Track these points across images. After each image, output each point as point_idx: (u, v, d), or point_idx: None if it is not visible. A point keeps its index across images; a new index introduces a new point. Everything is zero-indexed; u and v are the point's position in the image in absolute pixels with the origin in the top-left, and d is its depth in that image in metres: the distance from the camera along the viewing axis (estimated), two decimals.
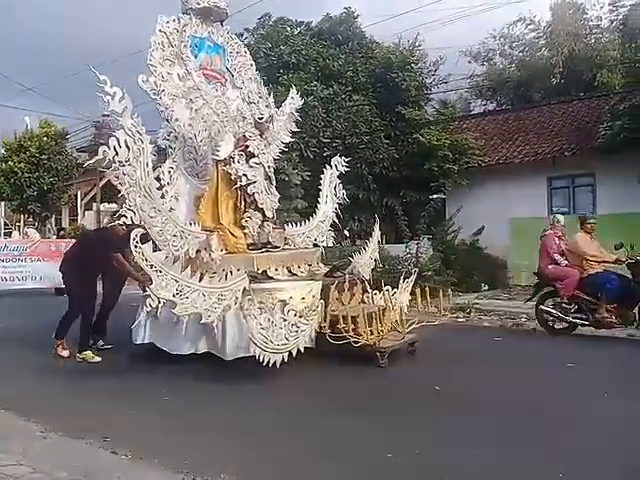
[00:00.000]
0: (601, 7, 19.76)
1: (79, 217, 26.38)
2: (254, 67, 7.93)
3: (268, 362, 5.17)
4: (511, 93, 20.96)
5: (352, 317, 5.62)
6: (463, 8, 35.64)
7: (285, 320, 5.40)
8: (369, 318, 5.74)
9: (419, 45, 15.87)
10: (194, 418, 4.32)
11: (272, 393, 5.02)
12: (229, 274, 5.68)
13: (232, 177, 6.47)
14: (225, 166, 6.50)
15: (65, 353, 6.36)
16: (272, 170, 6.87)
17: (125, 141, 5.64)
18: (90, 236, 7.36)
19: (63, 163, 19.70)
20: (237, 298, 5.51)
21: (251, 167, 6.53)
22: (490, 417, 4.22)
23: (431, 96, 17.13)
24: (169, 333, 5.93)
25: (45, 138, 19.20)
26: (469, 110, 22.28)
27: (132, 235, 5.11)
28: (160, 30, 6.65)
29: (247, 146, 6.54)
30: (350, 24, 16.45)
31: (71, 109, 51.39)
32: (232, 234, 6.41)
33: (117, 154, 5.54)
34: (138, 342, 6.19)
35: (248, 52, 7.99)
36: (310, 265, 6.78)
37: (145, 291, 5.77)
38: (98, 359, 6.21)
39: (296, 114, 7.81)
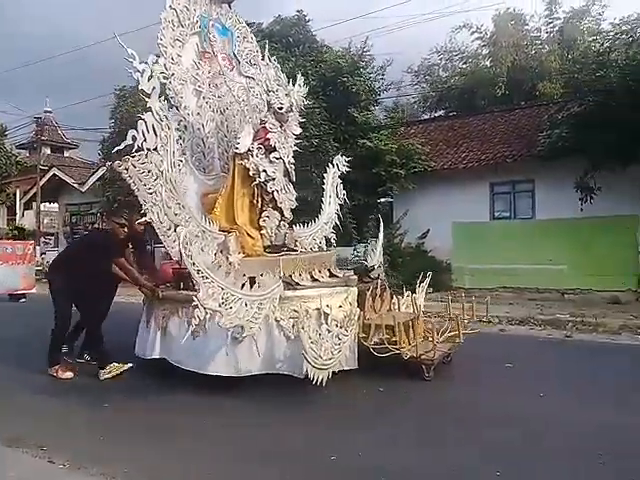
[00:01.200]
0: (539, 19, 20.71)
1: (17, 217, 25.40)
2: (260, 54, 7.40)
3: (314, 380, 4.59)
4: (456, 100, 21.57)
5: (389, 326, 5.22)
6: (412, 15, 36.43)
7: (329, 332, 4.82)
8: (406, 327, 5.29)
9: (368, 50, 16.16)
10: (142, 428, 4.21)
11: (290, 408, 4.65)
12: (258, 279, 5.05)
13: (250, 173, 5.87)
14: (243, 160, 5.88)
15: (68, 374, 5.53)
16: (292, 166, 6.32)
17: (153, 126, 5.21)
18: (95, 238, 6.51)
19: (1, 160, 18.96)
20: (274, 307, 4.95)
21: (271, 162, 5.96)
22: None
23: (380, 101, 17.48)
24: (188, 348, 5.08)
25: None
26: (417, 116, 22.80)
27: (181, 236, 4.53)
28: (170, 6, 6.07)
29: (267, 139, 5.95)
30: (301, 27, 16.53)
31: (11, 104, 49.42)
32: (249, 235, 5.85)
33: (145, 140, 5.11)
34: (147, 357, 5.51)
35: (254, 38, 7.49)
36: (329, 270, 6.24)
37: (147, 299, 5.49)
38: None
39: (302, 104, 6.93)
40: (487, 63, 20.52)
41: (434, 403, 4.72)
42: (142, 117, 5.23)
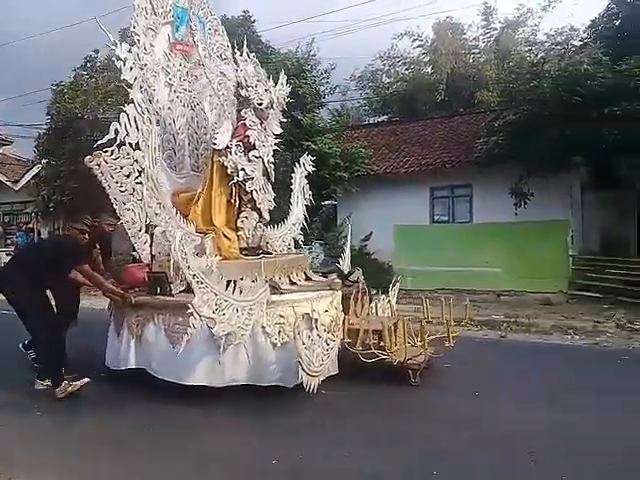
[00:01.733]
0: (477, 29, 21.45)
1: None
2: (230, 49, 6.96)
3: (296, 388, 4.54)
4: (398, 106, 21.98)
5: (376, 331, 5.11)
6: (356, 21, 36.87)
7: (320, 337, 4.69)
8: (390, 332, 5.16)
9: (314, 54, 16.29)
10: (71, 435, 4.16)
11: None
12: (239, 283, 4.78)
13: (228, 171, 5.62)
14: (221, 157, 5.62)
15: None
16: (271, 166, 6.10)
17: (135, 119, 4.93)
18: (48, 245, 6.12)
19: None
20: (262, 312, 4.73)
21: (250, 161, 5.71)
22: None
23: (325, 105, 17.65)
24: (166, 358, 4.84)
25: None
26: (362, 120, 23.12)
27: (177, 238, 4.30)
28: None
29: (247, 136, 5.69)
30: (247, 28, 16.48)
31: None
32: (225, 236, 5.61)
33: (128, 134, 4.84)
34: (121, 368, 5.17)
35: (225, 32, 7.16)
36: (305, 273, 6.07)
37: (114, 306, 5.18)
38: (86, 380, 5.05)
39: (284, 102, 6.74)
40: (428, 70, 21.04)
41: (382, 405, 4.79)
42: (124, 109, 5.00)
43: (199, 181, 6.18)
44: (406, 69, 22.78)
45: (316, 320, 4.78)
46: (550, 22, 25.49)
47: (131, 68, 5.09)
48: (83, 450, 3.87)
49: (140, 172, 4.99)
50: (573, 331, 8.20)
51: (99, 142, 5.14)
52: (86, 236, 5.38)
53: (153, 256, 5.28)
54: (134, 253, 5.76)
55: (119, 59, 5.04)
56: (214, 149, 5.71)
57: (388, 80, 23.46)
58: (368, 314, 5.97)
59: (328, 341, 4.78)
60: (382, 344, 5.07)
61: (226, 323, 4.38)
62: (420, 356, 5.20)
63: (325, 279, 6.20)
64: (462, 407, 4.65)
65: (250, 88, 5.81)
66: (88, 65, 14.94)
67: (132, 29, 5.61)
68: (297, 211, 7.04)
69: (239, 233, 5.81)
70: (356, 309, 5.65)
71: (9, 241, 20.46)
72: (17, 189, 19.15)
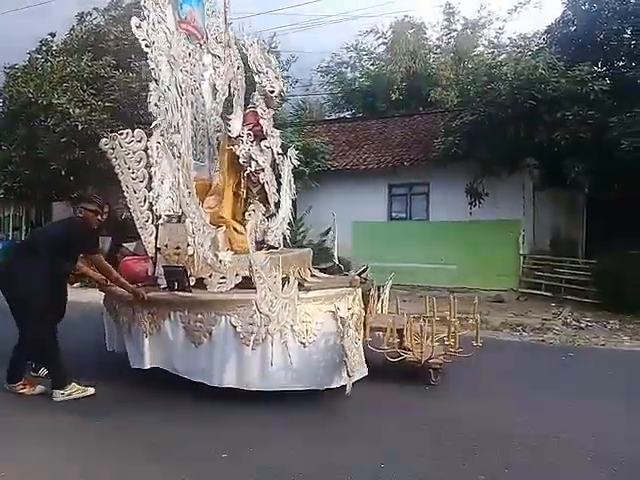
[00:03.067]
0: (440, 29, 21.76)
1: None
2: (226, 33, 6.65)
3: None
4: (359, 102, 22.09)
5: (399, 330, 4.99)
6: (318, 16, 36.84)
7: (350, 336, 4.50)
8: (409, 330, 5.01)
9: (275, 47, 16.18)
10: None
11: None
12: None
13: (240, 161, 5.32)
14: (233, 146, 5.32)
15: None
16: (280, 157, 5.84)
17: (177, 99, 4.62)
18: (56, 229, 5.33)
19: None
20: (296, 310, 4.49)
21: (261, 151, 5.45)
22: None
23: (286, 99, 17.55)
24: (188, 357, 4.65)
25: None
26: (326, 115, 23.17)
27: (248, 231, 4.17)
28: None
29: (259, 124, 5.41)
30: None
31: None
32: (235, 230, 5.34)
33: (173, 116, 4.55)
34: (133, 367, 4.91)
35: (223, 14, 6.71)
36: (309, 269, 5.88)
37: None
38: (92, 390, 4.75)
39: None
40: (389, 67, 21.23)
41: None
42: (161, 89, 4.73)
43: (198, 170, 5.81)
44: (371, 64, 22.91)
45: (345, 319, 4.59)
46: (517, 26, 26.10)
47: (148, 46, 4.81)
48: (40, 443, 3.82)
49: (147, 157, 4.80)
50: (522, 328, 8.43)
51: (154, 123, 4.82)
52: (99, 218, 4.88)
53: (158, 249, 4.95)
54: (125, 245, 5.53)
55: (144, 40, 4.80)
56: (228, 137, 5.41)
57: (353, 74, 23.57)
58: (378, 312, 5.82)
59: (357, 340, 4.62)
60: (404, 343, 5.00)
61: (277, 320, 4.24)
62: (442, 356, 5.11)
63: (333, 276, 6.04)
64: (416, 403, 4.74)
65: (262, 74, 5.54)
66: (43, 49, 14.48)
67: (143, 3, 5.15)
68: (285, 205, 6.69)
69: (246, 226, 5.52)
70: (375, 307, 5.48)
71: None
72: None
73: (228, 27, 6.61)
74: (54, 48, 14.46)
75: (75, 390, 4.64)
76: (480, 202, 11.96)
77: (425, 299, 5.68)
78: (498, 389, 5.17)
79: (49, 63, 13.28)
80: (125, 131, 4.88)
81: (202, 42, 6.25)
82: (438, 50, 21.65)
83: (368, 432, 4.06)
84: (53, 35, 14.64)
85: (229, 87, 6.62)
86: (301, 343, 4.55)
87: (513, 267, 12.30)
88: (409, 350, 5.03)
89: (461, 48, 20.26)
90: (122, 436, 3.95)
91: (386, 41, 21.74)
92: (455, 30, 21.01)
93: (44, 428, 4.08)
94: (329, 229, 14.08)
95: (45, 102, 12.20)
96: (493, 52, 17.80)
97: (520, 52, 12.66)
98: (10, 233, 18.09)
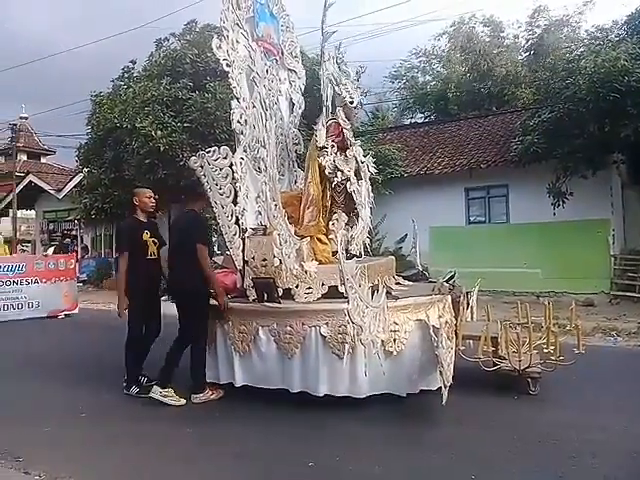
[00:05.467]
0: (519, 27, 21.17)
1: None
2: (299, 47, 6.97)
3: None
4: (432, 106, 21.84)
5: (493, 338, 4.83)
6: (385, 24, 36.82)
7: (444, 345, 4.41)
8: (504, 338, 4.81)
9: (342, 57, 16.23)
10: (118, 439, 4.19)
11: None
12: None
13: (326, 172, 5.40)
14: (319, 158, 5.40)
15: (218, 393, 5.00)
16: (365, 166, 5.85)
17: (261, 115, 4.77)
18: (182, 221, 5.42)
19: None
20: (386, 319, 4.42)
21: (346, 161, 5.52)
22: None
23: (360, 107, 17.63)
24: (282, 368, 4.71)
25: None
26: (399, 120, 23.07)
27: (338, 231, 4.25)
28: None
29: (342, 135, 5.53)
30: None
31: None
32: (319, 240, 5.38)
33: (255, 128, 4.66)
34: (221, 382, 5.02)
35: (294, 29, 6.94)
36: (393, 277, 5.86)
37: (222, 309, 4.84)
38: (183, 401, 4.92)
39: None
40: (462, 69, 20.84)
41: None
42: (241, 105, 4.85)
43: (281, 183, 5.96)
44: (442, 66, 22.59)
45: (439, 328, 4.50)
46: (593, 18, 25.07)
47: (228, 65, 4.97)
48: (127, 452, 3.96)
49: (233, 174, 4.90)
50: (616, 333, 8.02)
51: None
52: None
53: (246, 262, 5.02)
54: (215, 259, 5.69)
55: (224, 60, 4.97)
56: (314, 147, 5.51)
57: (423, 79, 23.33)
58: (467, 320, 5.66)
59: (449, 349, 4.52)
60: (499, 352, 4.84)
61: (368, 331, 4.16)
62: (540, 364, 4.93)
63: (418, 284, 5.96)
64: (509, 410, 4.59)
65: (341, 85, 5.67)
66: (125, 76, 15.30)
67: (222, 24, 5.30)
68: (365, 214, 6.49)
69: (330, 236, 5.49)
70: (464, 315, 5.34)
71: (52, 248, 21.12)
72: (60, 197, 19.79)
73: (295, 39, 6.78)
74: (135, 74, 15.24)
75: (210, 394, 4.92)
76: (564, 202, 11.47)
77: (518, 305, 5.50)
78: (593, 397, 4.94)
79: (131, 89, 14.00)
80: (212, 149, 5.04)
81: (278, 58, 6.38)
82: (515, 48, 21.08)
83: (459, 442, 3.98)
84: (134, 62, 15.46)
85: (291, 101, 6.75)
86: (388, 352, 4.54)
87: (603, 269, 11.69)
88: (504, 359, 4.85)
89: (546, 45, 19.59)
90: (211, 443, 4.07)
91: (457, 42, 21.42)
92: (538, 26, 20.38)
93: (146, 433, 4.27)
94: (405, 236, 13.98)
95: (129, 126, 12.87)
96: (570, 47, 17.13)
97: (599, 44, 12.08)
98: (102, 251, 19.22)
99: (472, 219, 14.01)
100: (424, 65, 22.85)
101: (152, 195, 5.60)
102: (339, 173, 5.44)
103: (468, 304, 5.87)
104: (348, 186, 5.51)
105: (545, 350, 4.93)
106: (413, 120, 22.59)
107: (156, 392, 4.86)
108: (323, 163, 5.41)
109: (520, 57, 20.57)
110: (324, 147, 5.42)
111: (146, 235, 5.32)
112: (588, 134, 10.16)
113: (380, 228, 14.06)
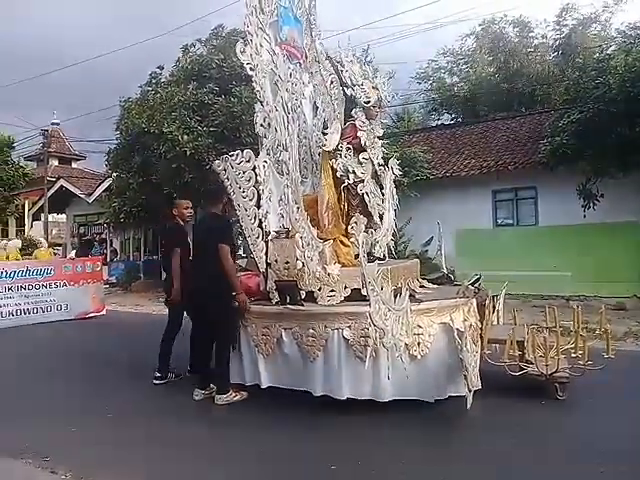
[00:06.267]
0: (547, 26, 20.84)
1: (26, 228, 25.71)
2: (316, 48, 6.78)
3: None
4: (459, 108, 21.64)
5: (519, 342, 4.76)
6: (410, 25, 36.65)
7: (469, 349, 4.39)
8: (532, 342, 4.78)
9: (370, 61, 16.25)
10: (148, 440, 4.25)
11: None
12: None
13: (338, 174, 5.46)
14: (330, 160, 5.46)
15: (242, 394, 5.05)
16: (382, 168, 5.89)
17: (284, 118, 4.81)
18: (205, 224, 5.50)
19: (9, 172, 19.20)
20: (409, 322, 4.37)
21: (360, 163, 5.59)
22: None
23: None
24: (304, 371, 4.71)
25: None
26: (426, 122, 22.93)
27: (359, 234, 4.33)
28: None
29: (358, 137, 5.58)
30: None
31: (18, 117, 50.06)
32: (342, 243, 5.41)
33: (277, 131, 4.73)
34: (247, 384, 5.04)
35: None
36: (417, 280, 5.85)
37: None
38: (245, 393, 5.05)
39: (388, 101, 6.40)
40: (490, 69, 20.62)
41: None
42: (265, 109, 4.92)
43: (304, 186, 5.98)
44: (470, 67, 22.38)
45: (463, 331, 4.45)
46: (624, 16, 24.57)
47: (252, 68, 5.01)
48: (156, 452, 4.01)
49: (256, 177, 4.92)
50: None
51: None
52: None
53: (269, 264, 5.02)
54: (239, 262, 5.74)
55: (248, 63, 5.01)
56: (324, 151, 5.56)
57: (450, 79, 23.14)
58: (494, 323, 5.59)
59: (474, 353, 4.47)
60: (526, 356, 4.79)
61: (391, 334, 4.12)
62: (568, 369, 4.81)
63: (443, 287, 5.94)
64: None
65: (356, 87, 5.72)
66: (153, 82, 15.50)
67: (246, 28, 5.29)
68: (389, 216, 6.54)
69: (351, 239, 5.52)
70: (490, 318, 5.25)
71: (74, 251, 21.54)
72: (90, 201, 20.18)
73: (316, 42, 6.73)
74: (162, 80, 15.44)
75: (233, 396, 4.97)
76: (595, 204, 11.22)
77: (546, 309, 5.39)
78: (623, 404, 4.80)
79: (159, 94, 14.18)
80: (235, 152, 5.09)
81: (302, 61, 6.38)
82: (543, 48, 20.75)
83: (484, 447, 3.92)
84: (161, 68, 15.66)
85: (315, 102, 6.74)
86: (412, 356, 4.50)
87: (636, 272, 11.40)
88: (531, 363, 4.76)
89: (574, 44, 19.25)
90: (235, 444, 4.08)
91: (484, 43, 21.20)
92: (565, 26, 20.04)
93: (170, 434, 4.28)
94: (431, 238, 13.84)
95: (157, 131, 13.03)
96: (600, 45, 16.79)
97: (630, 43, 11.81)
98: (131, 254, 19.53)
99: (499, 222, 13.82)
100: (452, 66, 22.67)
101: (189, 206, 6.01)
102: (351, 175, 5.48)
103: (494, 307, 5.77)
104: (360, 188, 5.55)
105: (573, 355, 4.83)
106: (439, 122, 22.41)
107: (221, 399, 4.93)
108: (335, 166, 5.45)
109: (549, 57, 20.23)
110: (336, 149, 5.44)
111: (189, 239, 5.62)
112: (618, 134, 9.94)
113: (406, 230, 13.97)
